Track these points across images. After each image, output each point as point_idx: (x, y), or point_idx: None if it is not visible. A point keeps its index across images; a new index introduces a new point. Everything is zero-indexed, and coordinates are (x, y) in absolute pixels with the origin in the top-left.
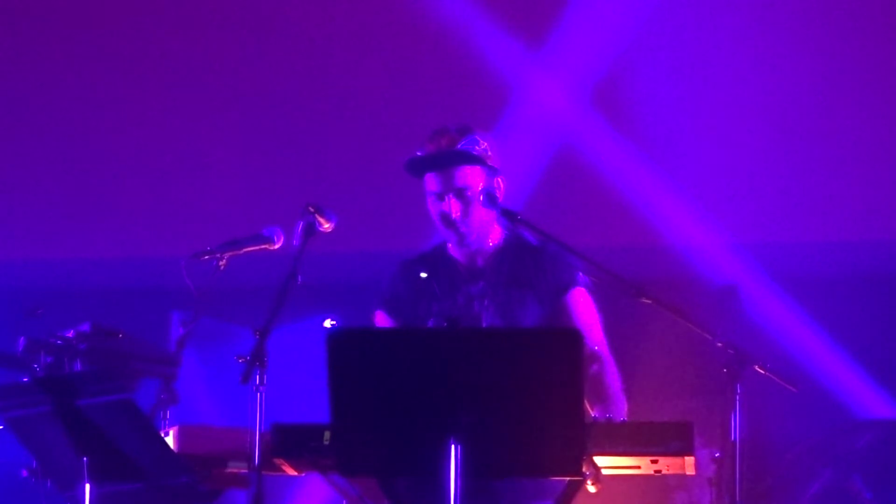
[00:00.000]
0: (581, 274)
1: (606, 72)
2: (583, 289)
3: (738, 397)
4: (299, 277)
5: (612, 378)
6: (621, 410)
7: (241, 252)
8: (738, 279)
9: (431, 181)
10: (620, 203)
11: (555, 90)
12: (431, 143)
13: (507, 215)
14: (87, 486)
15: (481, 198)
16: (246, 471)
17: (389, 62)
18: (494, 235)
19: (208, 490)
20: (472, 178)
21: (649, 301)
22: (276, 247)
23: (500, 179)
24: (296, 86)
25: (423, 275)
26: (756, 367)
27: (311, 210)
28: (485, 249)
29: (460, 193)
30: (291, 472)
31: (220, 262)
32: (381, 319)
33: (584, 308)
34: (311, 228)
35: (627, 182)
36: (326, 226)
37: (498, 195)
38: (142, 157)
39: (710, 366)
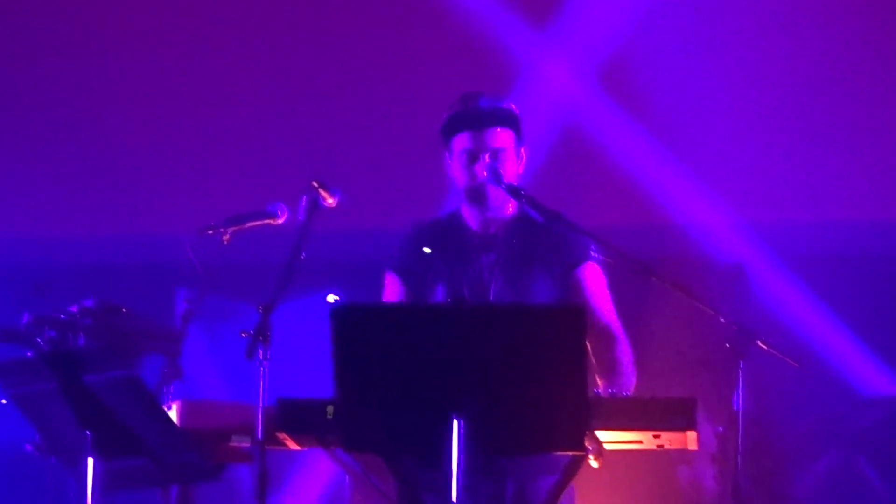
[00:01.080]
0: (593, 249)
1: (613, 51)
2: (594, 264)
3: (741, 373)
4: (303, 253)
5: (623, 352)
6: (630, 385)
7: (246, 227)
8: (744, 258)
9: (464, 140)
10: (627, 182)
11: (562, 69)
12: (463, 104)
13: (512, 191)
14: (91, 461)
15: (485, 158)
16: (249, 445)
17: (396, 40)
18: (512, 205)
19: (212, 465)
20: (507, 140)
21: (656, 279)
22: (281, 222)
23: (524, 149)
24: (302, 62)
25: (427, 250)
26: (759, 343)
27: (316, 186)
28: (500, 217)
29: (495, 154)
30: (295, 446)
31: (225, 238)
32: (391, 282)
33: (595, 283)
34: (316, 204)
35: (634, 161)
36: (330, 201)
37: (520, 166)
38: (147, 134)
39: (715, 343)
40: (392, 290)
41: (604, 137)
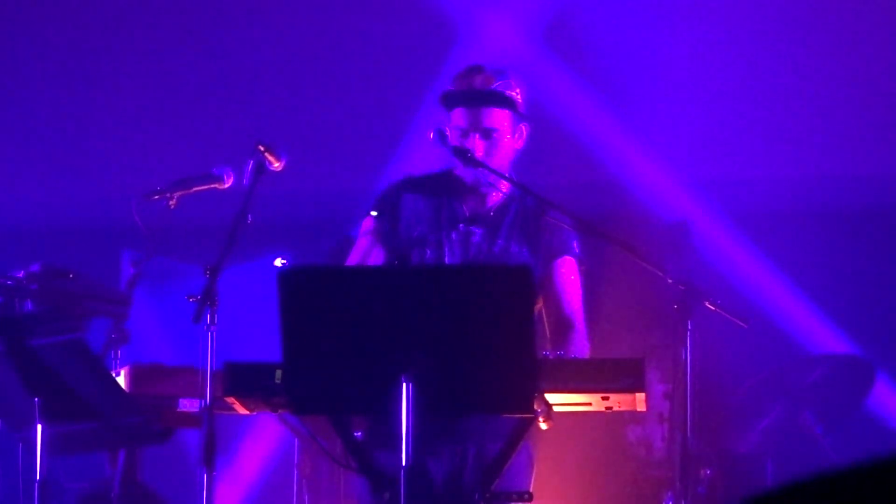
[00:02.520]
0: (576, 243)
1: (556, 6)
2: (572, 259)
3: (689, 333)
4: (249, 216)
5: (581, 345)
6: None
7: (192, 191)
8: (688, 215)
9: (459, 116)
10: (572, 139)
11: (504, 26)
12: (465, 80)
13: (459, 154)
14: (39, 427)
15: (476, 136)
16: (198, 410)
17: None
18: (505, 184)
19: (160, 429)
20: (500, 120)
21: (602, 237)
22: (227, 186)
23: (524, 126)
24: (246, 22)
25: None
26: (707, 304)
27: (262, 149)
28: (493, 195)
29: (486, 134)
30: (243, 410)
31: (171, 202)
32: (366, 231)
33: (567, 276)
34: (262, 167)
35: (578, 118)
36: (276, 165)
37: (518, 142)
38: (92, 95)
39: (661, 302)
40: (367, 242)
41: (547, 95)
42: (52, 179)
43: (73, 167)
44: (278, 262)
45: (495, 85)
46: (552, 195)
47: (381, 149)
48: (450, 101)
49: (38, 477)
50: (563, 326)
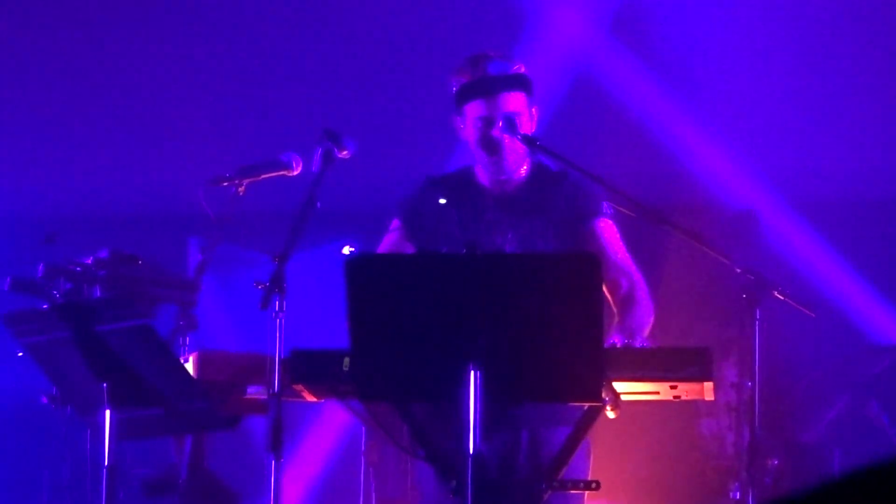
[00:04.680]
0: (606, 203)
1: None
2: (608, 220)
3: (756, 323)
4: (318, 203)
5: (641, 291)
6: (647, 321)
7: (260, 178)
8: (755, 204)
9: (478, 107)
10: (639, 130)
11: (573, 16)
12: (473, 70)
13: (527, 141)
14: (108, 412)
15: (500, 123)
16: (265, 397)
17: None
18: (525, 165)
19: (227, 416)
20: (520, 103)
21: (669, 227)
22: (295, 173)
23: (535, 109)
24: (312, 12)
25: (443, 201)
26: (775, 293)
27: (329, 136)
28: (515, 179)
29: (509, 119)
30: (310, 398)
31: (239, 189)
32: (395, 228)
33: (609, 234)
34: (330, 155)
35: (646, 109)
36: (344, 153)
37: (533, 124)
38: (159, 83)
39: (729, 292)
40: (396, 237)
41: (615, 85)
42: (121, 166)
43: (143, 154)
44: (346, 250)
45: (511, 69)
46: (619, 185)
47: (447, 138)
48: (467, 93)
49: (105, 462)
50: (621, 285)
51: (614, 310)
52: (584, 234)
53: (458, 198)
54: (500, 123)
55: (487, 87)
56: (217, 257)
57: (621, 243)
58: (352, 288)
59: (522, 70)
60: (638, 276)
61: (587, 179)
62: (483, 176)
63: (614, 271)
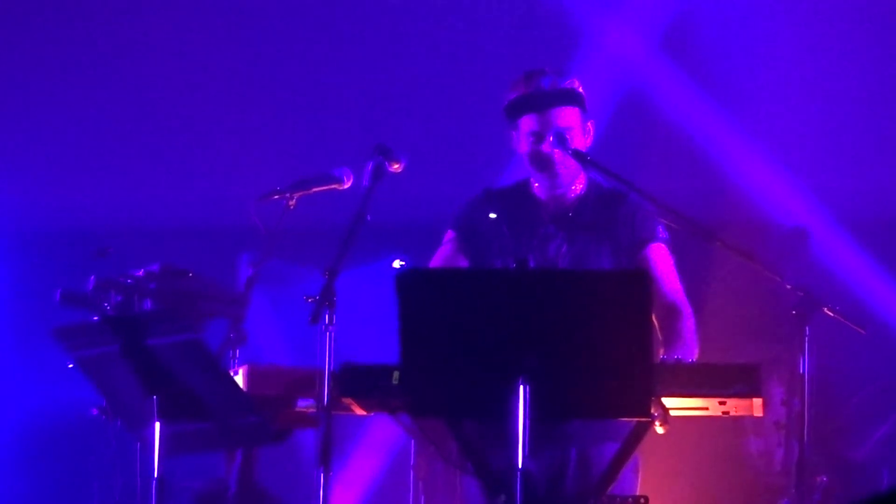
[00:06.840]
0: (661, 227)
1: (676, 14)
2: (662, 245)
3: (807, 339)
4: (368, 217)
5: (688, 327)
6: (693, 355)
7: (311, 192)
8: (806, 222)
9: (530, 122)
10: (689, 146)
11: (624, 33)
12: (528, 84)
13: (577, 156)
14: (158, 425)
15: (550, 138)
16: (315, 410)
17: (460, 4)
18: (580, 181)
19: (277, 429)
20: (572, 118)
21: (720, 244)
22: (346, 187)
23: (590, 123)
24: (366, 27)
25: (493, 215)
26: (825, 310)
27: (381, 151)
28: (570, 194)
29: (560, 134)
30: (360, 411)
31: (290, 203)
32: (449, 240)
33: (662, 262)
34: (381, 169)
35: (696, 125)
36: (396, 167)
37: (588, 139)
38: (215, 98)
39: (779, 308)
40: (449, 249)
41: (666, 102)
42: (173, 180)
43: (195, 168)
44: (396, 264)
45: (563, 83)
46: (670, 201)
47: (499, 153)
48: (519, 107)
49: (155, 475)
50: (669, 312)
51: (659, 336)
52: (639, 259)
53: (512, 211)
54: (551, 139)
55: (539, 101)
56: (267, 271)
57: (674, 273)
58: (402, 302)
59: (577, 85)
60: (687, 311)
61: (646, 201)
62: (539, 190)
63: (663, 302)
